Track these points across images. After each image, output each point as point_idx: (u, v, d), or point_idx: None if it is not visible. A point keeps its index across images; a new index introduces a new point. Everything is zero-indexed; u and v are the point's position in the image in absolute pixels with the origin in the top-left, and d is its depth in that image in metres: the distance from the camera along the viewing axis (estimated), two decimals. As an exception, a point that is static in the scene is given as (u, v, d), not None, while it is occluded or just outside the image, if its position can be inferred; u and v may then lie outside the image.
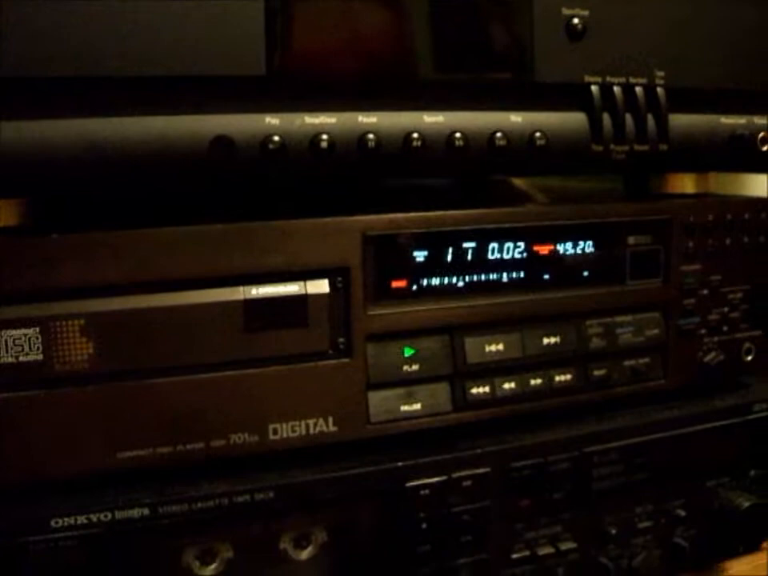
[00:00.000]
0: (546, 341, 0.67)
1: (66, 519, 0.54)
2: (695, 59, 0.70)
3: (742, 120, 0.73)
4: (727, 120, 0.72)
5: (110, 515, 0.54)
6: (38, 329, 0.54)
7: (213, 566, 0.59)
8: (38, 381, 0.54)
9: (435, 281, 0.64)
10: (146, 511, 0.55)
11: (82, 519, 0.54)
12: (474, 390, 0.65)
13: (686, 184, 0.75)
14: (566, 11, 0.65)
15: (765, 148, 0.73)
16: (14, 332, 0.53)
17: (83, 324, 0.55)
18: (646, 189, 0.76)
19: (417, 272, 0.63)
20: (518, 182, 0.96)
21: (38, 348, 0.54)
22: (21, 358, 0.54)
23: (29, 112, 0.53)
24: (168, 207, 0.62)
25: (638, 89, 0.67)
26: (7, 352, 0.53)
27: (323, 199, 0.65)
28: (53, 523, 0.53)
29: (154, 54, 0.54)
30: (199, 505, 0.56)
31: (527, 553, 0.66)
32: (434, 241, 0.63)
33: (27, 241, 0.54)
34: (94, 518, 0.54)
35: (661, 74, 0.68)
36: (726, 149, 0.72)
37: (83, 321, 0.55)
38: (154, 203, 0.63)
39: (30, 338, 0.54)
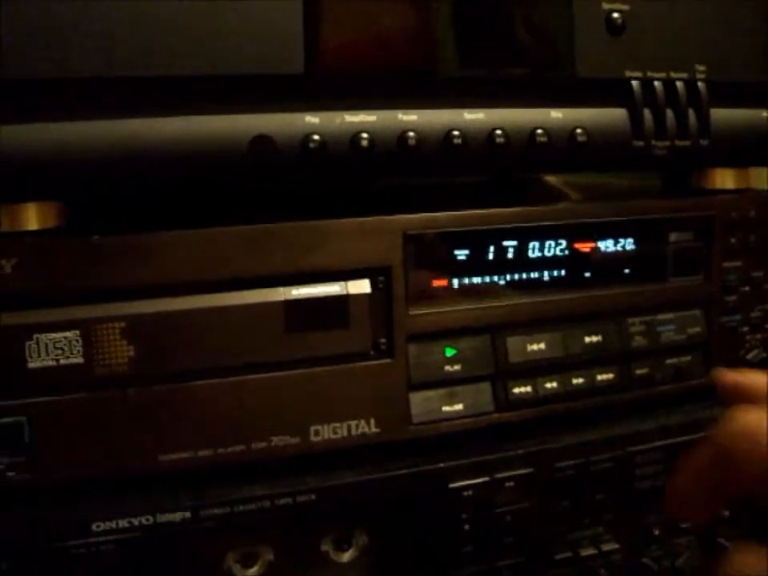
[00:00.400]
0: (587, 339, 0.66)
1: (107, 523, 0.54)
2: (736, 53, 0.69)
3: (782, 114, 0.72)
4: (768, 113, 0.71)
5: (151, 519, 0.54)
6: (78, 332, 0.53)
7: (254, 569, 0.59)
8: (79, 384, 0.54)
9: (476, 280, 0.63)
10: (188, 515, 0.55)
11: (123, 523, 0.54)
12: (516, 390, 0.64)
13: (726, 180, 0.74)
14: (605, 5, 0.64)
15: (805, 142, 0.72)
16: (54, 335, 0.53)
17: (124, 326, 0.54)
18: (687, 185, 0.75)
19: (458, 271, 0.62)
20: (552, 179, 0.95)
21: (79, 351, 0.54)
22: (61, 361, 0.53)
23: (63, 114, 0.53)
24: (209, 208, 0.61)
25: (678, 84, 0.66)
26: (48, 355, 0.53)
27: (364, 198, 0.65)
28: (94, 527, 0.53)
29: (193, 54, 0.54)
30: (240, 508, 0.56)
31: (570, 554, 0.65)
32: (475, 239, 0.63)
33: (67, 243, 0.54)
34: (135, 521, 0.54)
35: (702, 68, 0.67)
36: (767, 143, 0.71)
37: (124, 323, 0.54)
38: (194, 204, 0.62)
39: (70, 341, 0.53)
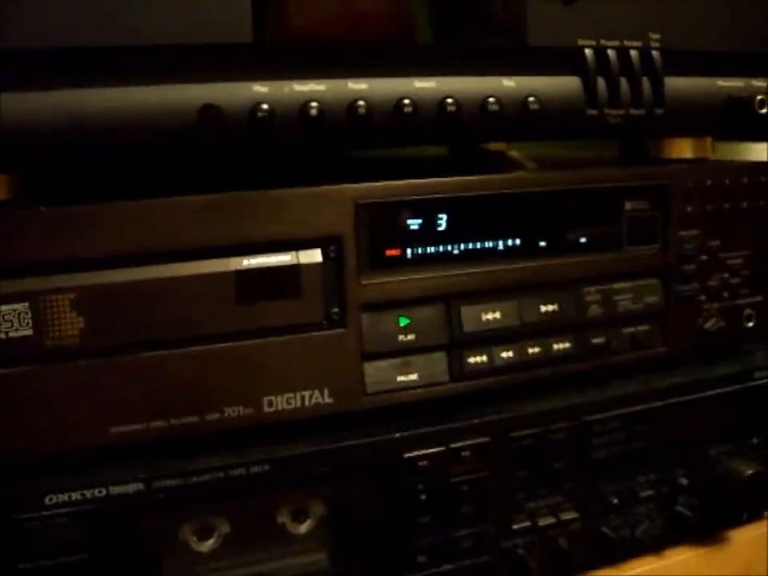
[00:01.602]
0: (543, 308, 0.66)
1: (60, 496, 0.53)
2: (690, 21, 0.69)
3: (739, 83, 0.72)
4: (724, 83, 0.71)
5: (104, 491, 0.54)
6: (27, 304, 0.53)
7: (210, 541, 0.59)
8: (29, 356, 0.53)
9: (430, 249, 0.63)
10: (141, 486, 0.55)
11: (76, 495, 0.54)
12: (472, 360, 0.64)
13: (684, 149, 0.74)
14: (558, -27, 0.64)
15: (763, 111, 0.72)
16: (3, 307, 0.53)
17: (73, 298, 0.54)
18: (643, 154, 0.75)
19: (411, 240, 0.62)
20: (514, 153, 0.95)
21: (28, 323, 0.53)
22: (11, 334, 0.53)
23: (10, 85, 0.52)
24: (156, 178, 0.61)
25: (632, 52, 0.67)
26: (-3, 328, 0.53)
27: (315, 170, 0.65)
28: (47, 500, 0.53)
29: (138, 24, 0.53)
30: (194, 479, 0.56)
31: (528, 523, 0.65)
32: (428, 208, 0.62)
33: (14, 214, 0.53)
34: (88, 494, 0.54)
35: (656, 36, 0.67)
36: (723, 112, 0.72)
37: (73, 295, 0.54)
38: (142, 174, 0.62)
39: (19, 314, 0.53)
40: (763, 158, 0.88)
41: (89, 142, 0.54)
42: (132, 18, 0.53)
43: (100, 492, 0.54)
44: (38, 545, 0.53)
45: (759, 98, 0.71)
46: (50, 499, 0.53)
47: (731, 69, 0.72)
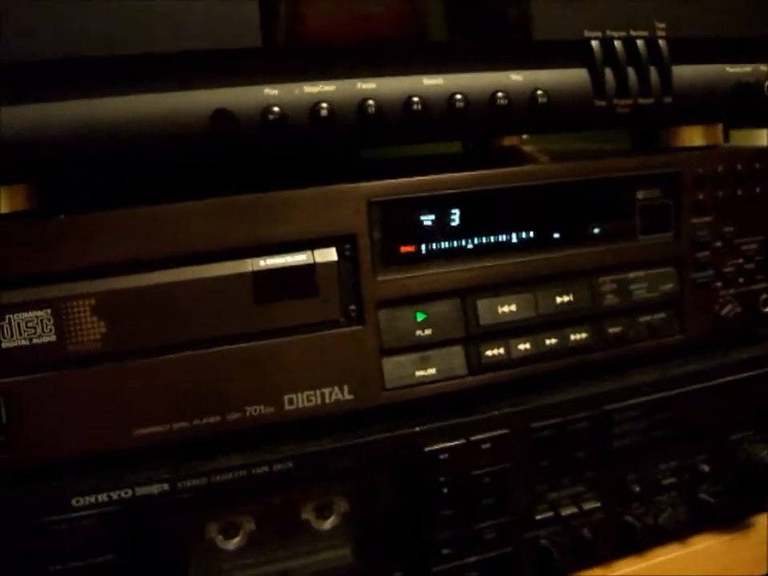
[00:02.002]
0: (559, 300, 0.66)
1: (86, 498, 0.54)
2: (696, 8, 0.69)
3: (747, 68, 0.72)
4: (732, 69, 0.71)
5: (130, 492, 0.55)
6: (49, 310, 0.54)
7: (236, 540, 0.59)
8: (53, 362, 0.54)
9: (444, 244, 0.63)
10: (166, 487, 0.56)
11: (102, 497, 0.54)
12: (489, 353, 0.64)
13: (694, 137, 0.74)
14: (562, -34, 0.64)
15: (772, 96, 0.72)
16: (26, 314, 0.54)
17: (94, 304, 0.55)
18: (654, 143, 0.75)
19: (425, 236, 0.63)
20: (528, 148, 0.96)
21: (51, 329, 0.54)
22: (34, 340, 0.54)
23: (24, 97, 0.53)
24: (172, 183, 0.62)
25: (639, 42, 0.67)
26: (21, 334, 0.54)
27: (328, 170, 0.65)
28: (74, 502, 0.54)
29: (148, 32, 0.54)
30: (218, 478, 0.57)
31: (551, 514, 0.66)
32: (440, 204, 0.63)
33: (35, 223, 0.54)
34: (114, 495, 0.55)
35: (662, 25, 0.67)
36: (731, 98, 0.71)
37: (94, 300, 0.55)
38: (158, 180, 0.63)
39: (42, 320, 0.54)
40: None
41: (103, 151, 0.55)
42: (145, 25, 0.54)
43: (126, 493, 0.55)
44: (66, 547, 0.54)
45: (768, 83, 0.72)
46: (77, 501, 0.54)
47: (739, 54, 0.72)
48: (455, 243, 0.64)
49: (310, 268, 0.59)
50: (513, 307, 0.65)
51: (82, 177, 0.60)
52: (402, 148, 0.69)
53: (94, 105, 0.54)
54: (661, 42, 0.67)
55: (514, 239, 0.66)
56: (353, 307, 0.60)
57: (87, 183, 0.64)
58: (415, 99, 0.60)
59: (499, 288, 0.65)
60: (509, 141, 0.97)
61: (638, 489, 0.69)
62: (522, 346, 0.65)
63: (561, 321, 0.67)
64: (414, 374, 0.62)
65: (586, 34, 0.65)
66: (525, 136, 0.98)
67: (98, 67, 0.54)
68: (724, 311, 0.73)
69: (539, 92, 0.64)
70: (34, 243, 0.54)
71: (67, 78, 0.54)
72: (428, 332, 0.62)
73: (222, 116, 0.56)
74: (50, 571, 0.54)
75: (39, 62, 0.52)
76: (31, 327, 0.54)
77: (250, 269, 0.57)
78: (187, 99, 0.56)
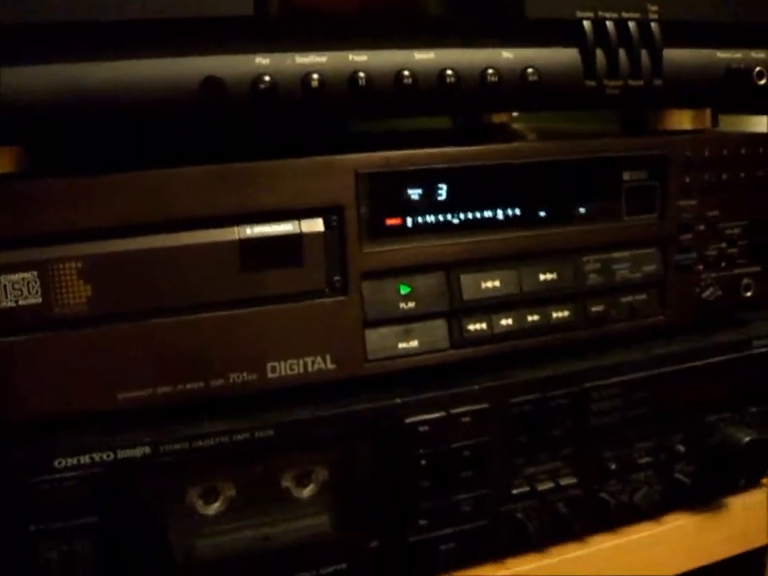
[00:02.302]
0: (542, 277, 0.67)
1: (69, 459, 0.54)
2: (689, -7, 0.69)
3: (737, 54, 0.72)
4: (723, 54, 0.72)
5: (112, 455, 0.55)
6: (36, 272, 0.54)
7: (216, 505, 0.60)
8: (38, 324, 0.55)
9: (430, 218, 0.64)
10: (148, 450, 0.56)
11: (85, 459, 0.55)
12: (471, 327, 0.65)
13: (683, 121, 0.75)
14: (556, -56, 0.64)
15: (762, 82, 0.72)
16: (12, 276, 0.54)
17: (80, 267, 0.55)
18: (643, 126, 0.76)
19: (411, 210, 0.63)
20: (518, 126, 0.96)
21: (37, 291, 0.54)
22: (20, 302, 0.54)
23: (15, 59, 0.53)
24: (162, 150, 0.62)
25: (631, 23, 0.67)
26: (6, 296, 0.54)
27: (317, 141, 0.66)
28: (56, 463, 0.54)
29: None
30: (200, 443, 0.57)
31: (527, 488, 0.67)
32: (428, 178, 0.63)
33: (23, 185, 0.54)
34: (96, 457, 0.55)
35: (654, 8, 0.67)
36: (721, 84, 0.72)
37: (80, 263, 0.55)
38: (147, 146, 0.63)
39: (28, 282, 0.54)
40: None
41: (92, 115, 0.55)
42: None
43: (108, 456, 0.55)
44: (48, 507, 0.54)
45: (758, 69, 0.72)
46: (60, 463, 0.54)
47: (731, 40, 0.72)
48: (441, 218, 0.64)
49: (297, 238, 0.59)
50: (496, 283, 0.65)
51: (71, 140, 0.60)
52: (391, 122, 0.69)
53: (85, 69, 0.54)
54: (653, 24, 0.67)
55: (500, 216, 0.66)
56: (338, 278, 0.61)
57: (77, 147, 0.64)
58: (406, 73, 0.60)
59: (484, 263, 0.65)
60: (498, 118, 0.97)
61: (614, 466, 0.70)
62: (504, 322, 0.66)
63: (544, 298, 0.68)
64: (396, 346, 0.63)
65: (579, 14, 0.65)
66: (514, 114, 0.98)
67: (89, 31, 0.54)
68: (705, 294, 0.73)
69: (530, 70, 0.64)
70: (21, 205, 0.54)
71: (58, 41, 0.53)
72: (411, 305, 0.63)
73: (212, 84, 0.56)
74: (32, 531, 0.54)
75: (30, 25, 0.52)
76: (17, 289, 0.54)
77: (236, 236, 0.58)
78: (178, 66, 0.56)
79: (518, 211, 0.67)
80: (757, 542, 0.78)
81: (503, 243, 0.66)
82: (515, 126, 0.98)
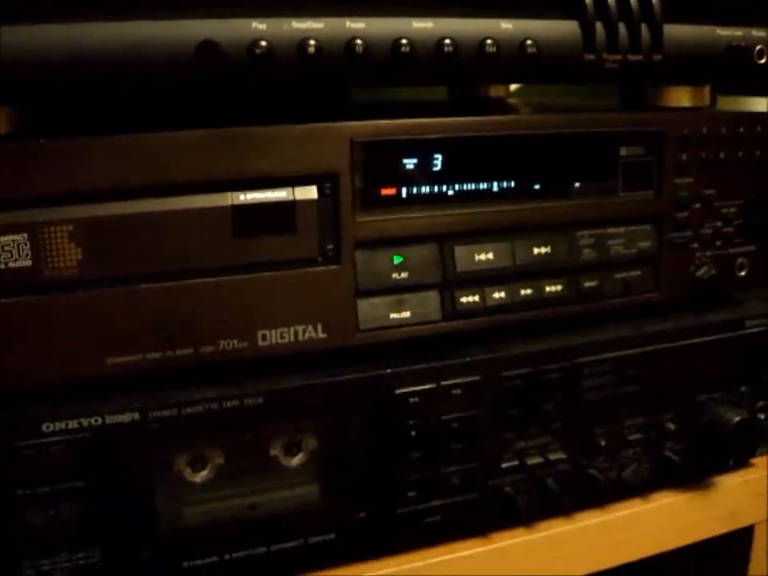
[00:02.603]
0: (536, 251, 0.67)
1: (56, 424, 0.54)
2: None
3: (738, 32, 0.72)
4: (724, 31, 0.71)
5: (100, 420, 0.55)
6: (26, 235, 0.54)
7: (204, 472, 0.60)
8: (28, 287, 0.54)
9: (425, 189, 0.63)
10: (136, 416, 0.56)
11: (72, 424, 0.55)
12: (464, 299, 0.65)
13: (682, 98, 0.74)
14: None
15: (762, 61, 0.72)
16: (2, 238, 0.53)
17: (72, 230, 0.55)
18: (641, 102, 0.75)
19: (406, 180, 0.63)
20: (515, 100, 0.95)
21: (27, 254, 0.54)
22: (10, 264, 0.54)
23: (9, 18, 0.52)
24: (156, 113, 0.61)
25: (631, -3, 0.66)
26: (-4, 258, 0.53)
27: (312, 108, 0.65)
28: (44, 428, 0.54)
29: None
30: (189, 410, 0.57)
31: (516, 462, 0.67)
32: (424, 148, 0.63)
33: (14, 146, 0.54)
34: (84, 422, 0.55)
35: (656, -18, 0.67)
36: (721, 61, 0.71)
37: (71, 227, 0.55)
38: (141, 109, 0.62)
39: (18, 244, 0.54)
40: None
41: (86, 76, 0.54)
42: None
43: (96, 421, 0.55)
44: (36, 472, 0.54)
45: (758, 47, 0.71)
46: (47, 427, 0.54)
47: (732, 17, 0.71)
48: (436, 188, 0.64)
49: (290, 205, 0.59)
50: (490, 255, 0.65)
51: (65, 101, 0.60)
52: (387, 92, 0.69)
53: (82, 29, 0.54)
54: (653, -2, 0.67)
55: (495, 188, 0.66)
56: (330, 246, 0.60)
57: (71, 108, 0.63)
58: (403, 41, 0.60)
59: (477, 236, 0.65)
60: (495, 92, 0.96)
61: (603, 443, 0.70)
62: (496, 295, 0.66)
63: (537, 272, 0.67)
64: (388, 317, 0.63)
65: (579, -14, 0.65)
66: (511, 88, 0.98)
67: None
68: (699, 272, 0.73)
69: (528, 42, 0.63)
70: (12, 166, 0.53)
71: (55, 1, 0.53)
72: (404, 275, 0.63)
73: (208, 47, 0.56)
74: (19, 495, 0.54)
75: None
76: (7, 251, 0.54)
77: (229, 202, 0.57)
78: (174, 28, 0.55)
79: (513, 184, 0.66)
80: (744, 522, 0.78)
81: (498, 216, 0.65)
82: (511, 100, 0.97)
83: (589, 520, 0.70)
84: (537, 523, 0.69)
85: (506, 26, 0.63)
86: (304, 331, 0.60)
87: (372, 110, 0.69)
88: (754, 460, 0.78)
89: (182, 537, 0.59)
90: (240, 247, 0.58)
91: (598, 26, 0.66)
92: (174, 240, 0.57)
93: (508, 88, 0.97)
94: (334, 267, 0.61)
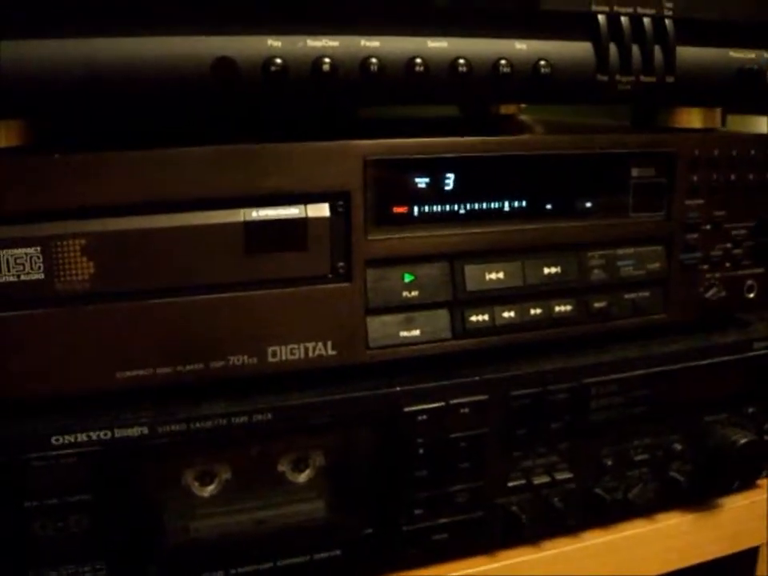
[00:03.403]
0: (546, 271, 0.67)
1: (66, 437, 0.54)
2: (705, -10, 0.69)
3: (751, 54, 0.72)
4: (736, 54, 0.71)
5: (109, 433, 0.55)
6: (39, 248, 0.54)
7: (211, 487, 0.60)
8: (39, 299, 0.54)
9: (436, 208, 0.64)
10: (145, 430, 0.56)
11: (82, 437, 0.55)
12: (474, 318, 0.65)
13: (693, 119, 0.74)
14: (573, -62, 0.64)
15: (774, 83, 0.72)
16: (15, 251, 0.54)
17: (84, 244, 0.55)
18: (653, 122, 0.75)
19: (418, 198, 0.63)
20: (526, 118, 0.96)
21: (40, 267, 0.54)
22: (22, 277, 0.54)
23: (28, 32, 0.52)
24: (170, 129, 0.62)
25: (645, 19, 0.67)
26: (9, 271, 0.53)
27: (326, 125, 0.65)
28: (53, 440, 0.54)
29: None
30: (198, 425, 0.57)
31: (523, 481, 0.67)
32: (436, 167, 0.63)
33: (29, 160, 0.54)
34: (93, 435, 0.55)
35: (669, 4, 0.67)
36: (733, 83, 0.71)
37: (84, 240, 0.55)
38: (156, 125, 0.62)
39: (31, 257, 0.54)
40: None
41: (102, 91, 0.55)
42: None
43: (105, 434, 0.55)
44: (44, 484, 0.54)
45: (770, 70, 0.72)
46: (57, 440, 0.54)
47: (744, 40, 0.72)
48: (447, 207, 0.64)
49: (302, 222, 0.59)
50: (500, 275, 0.65)
51: (80, 116, 0.60)
52: (398, 108, 0.69)
53: (97, 44, 0.54)
54: (667, 21, 0.67)
55: (506, 207, 0.66)
56: (342, 264, 0.61)
57: (86, 123, 0.64)
58: (418, 61, 0.60)
59: (488, 255, 0.65)
60: (506, 109, 0.97)
61: (610, 463, 0.70)
62: (506, 314, 0.66)
63: (547, 292, 0.67)
64: (398, 334, 0.63)
65: (594, 7, 0.65)
66: (522, 105, 0.98)
67: (102, 7, 0.53)
68: (708, 294, 0.73)
69: (542, 62, 0.63)
70: (27, 180, 0.53)
71: (72, 16, 0.53)
72: (414, 293, 0.63)
73: (223, 64, 0.56)
74: (27, 507, 0.54)
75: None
76: (20, 264, 0.54)
77: (242, 219, 0.57)
78: (190, 45, 0.56)
79: (524, 203, 0.66)
80: (749, 543, 0.78)
81: (508, 235, 0.66)
82: (522, 117, 0.98)
83: (594, 539, 0.70)
84: (543, 542, 0.69)
85: (521, 46, 0.63)
86: (314, 348, 0.60)
87: (381, 126, 0.70)
88: (760, 482, 0.78)
89: (189, 551, 0.59)
90: (251, 264, 0.58)
91: (612, 47, 0.66)
92: (185, 255, 0.57)
93: (519, 105, 0.97)
94: (344, 285, 0.61)
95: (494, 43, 0.63)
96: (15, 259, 0.54)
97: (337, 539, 0.62)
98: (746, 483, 0.77)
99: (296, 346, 0.60)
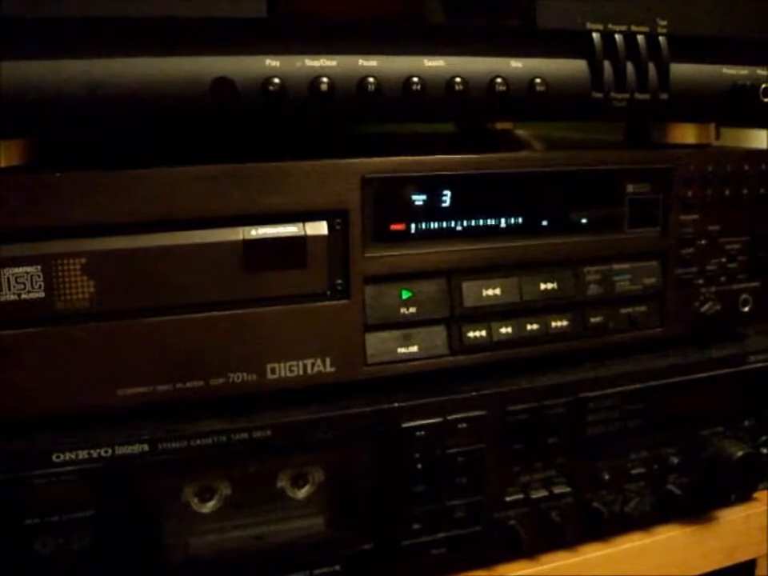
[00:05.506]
0: (543, 286, 0.67)
1: (67, 454, 0.55)
2: (698, 7, 0.69)
3: (744, 71, 0.72)
4: (729, 70, 0.72)
5: (110, 451, 0.55)
6: (39, 267, 0.54)
7: (211, 503, 0.60)
8: (40, 318, 0.55)
9: (433, 225, 0.64)
10: (146, 447, 0.56)
11: (83, 454, 0.55)
12: (471, 334, 0.65)
13: (687, 135, 0.75)
14: (567, -44, 0.64)
15: (767, 99, 0.72)
16: (16, 270, 0.54)
17: (84, 263, 0.55)
18: (648, 138, 0.76)
19: (415, 215, 0.63)
20: (522, 132, 0.96)
21: (40, 286, 0.54)
22: (23, 296, 0.54)
23: (30, 52, 0.53)
24: (170, 148, 0.62)
25: (639, 37, 0.67)
26: (9, 289, 0.54)
27: (324, 144, 0.66)
28: (54, 458, 0.54)
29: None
30: (198, 442, 0.57)
31: (521, 496, 0.67)
32: (433, 185, 0.64)
33: (30, 179, 0.54)
34: (94, 453, 0.55)
35: (663, 22, 0.68)
36: (727, 99, 0.72)
37: (84, 259, 0.55)
38: (156, 144, 0.63)
39: (31, 276, 0.54)
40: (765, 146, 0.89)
41: (102, 111, 0.55)
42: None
43: (106, 452, 0.55)
44: (45, 501, 0.54)
45: (763, 86, 0.72)
46: (58, 457, 0.54)
47: (737, 56, 0.72)
48: (444, 224, 0.64)
49: (301, 240, 0.59)
50: (497, 291, 0.66)
51: (80, 136, 0.60)
52: (396, 124, 0.69)
53: (97, 65, 0.54)
54: (661, 38, 0.68)
55: (503, 224, 0.66)
56: (340, 281, 0.61)
57: (86, 142, 0.64)
58: (415, 79, 0.61)
59: (485, 271, 0.66)
60: (501, 124, 0.97)
61: (607, 476, 0.70)
62: (503, 330, 0.66)
63: (543, 307, 0.68)
64: (395, 351, 0.63)
65: (588, 26, 0.65)
66: (517, 121, 0.99)
67: (103, 28, 0.54)
68: (704, 308, 0.74)
69: (538, 80, 0.64)
70: (27, 199, 0.54)
71: (72, 36, 0.54)
72: (412, 310, 0.63)
73: (222, 84, 0.57)
74: (28, 525, 0.54)
75: (45, 19, 0.52)
76: (20, 282, 0.54)
77: (241, 237, 0.58)
78: (189, 65, 0.56)
79: (520, 220, 0.67)
80: (746, 556, 0.78)
81: (505, 251, 0.66)
82: (518, 132, 0.98)
83: (592, 553, 0.70)
84: (540, 556, 0.69)
85: (516, 64, 0.64)
86: (312, 365, 0.61)
87: (381, 144, 0.70)
88: (756, 494, 0.78)
89: (189, 567, 0.59)
90: (250, 281, 0.59)
91: (606, 65, 0.67)
92: (185, 273, 0.57)
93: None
94: (342, 302, 0.61)
95: (489, 62, 0.63)
96: (16, 278, 0.54)
97: (336, 554, 0.62)
98: (743, 496, 0.77)
99: (295, 363, 0.60)
